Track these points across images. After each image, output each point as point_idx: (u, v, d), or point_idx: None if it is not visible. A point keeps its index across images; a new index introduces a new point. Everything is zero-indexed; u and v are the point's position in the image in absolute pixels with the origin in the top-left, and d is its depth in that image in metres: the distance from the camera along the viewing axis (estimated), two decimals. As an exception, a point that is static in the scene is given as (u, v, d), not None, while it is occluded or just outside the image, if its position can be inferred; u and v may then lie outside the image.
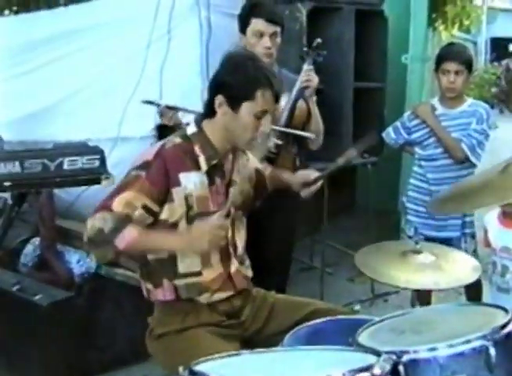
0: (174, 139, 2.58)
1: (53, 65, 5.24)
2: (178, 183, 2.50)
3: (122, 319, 3.98)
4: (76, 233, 4.58)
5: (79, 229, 4.68)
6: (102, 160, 3.14)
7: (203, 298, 2.58)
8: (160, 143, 2.58)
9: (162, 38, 4.62)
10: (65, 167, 3.06)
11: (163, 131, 4.54)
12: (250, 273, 2.78)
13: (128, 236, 2.39)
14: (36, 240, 4.62)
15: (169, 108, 3.59)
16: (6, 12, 9.37)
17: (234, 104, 2.49)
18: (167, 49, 4.59)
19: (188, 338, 2.51)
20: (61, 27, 5.23)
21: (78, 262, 4.38)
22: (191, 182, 2.53)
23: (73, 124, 5.02)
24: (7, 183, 2.98)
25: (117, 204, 2.42)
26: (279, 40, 3.65)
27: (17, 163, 2.98)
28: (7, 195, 3.65)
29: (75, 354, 3.80)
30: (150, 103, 3.68)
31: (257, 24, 3.59)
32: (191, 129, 2.61)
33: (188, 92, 4.25)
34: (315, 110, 3.63)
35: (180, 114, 3.62)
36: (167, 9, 4.57)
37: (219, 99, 2.51)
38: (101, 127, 4.83)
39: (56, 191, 4.53)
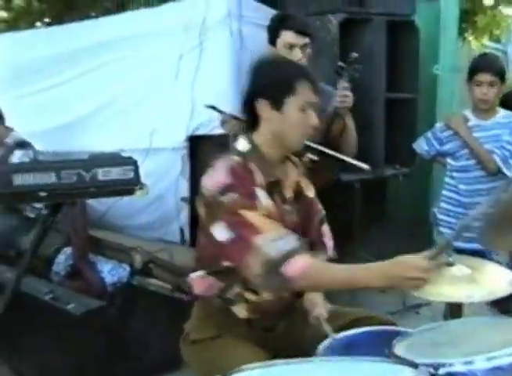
0: (233, 158, 2.44)
1: (86, 76, 5.31)
2: (256, 197, 2.41)
3: (154, 329, 4.00)
4: (108, 243, 4.63)
5: (111, 238, 4.75)
6: (136, 171, 3.15)
7: (245, 314, 2.55)
8: (221, 164, 2.42)
9: (194, 50, 4.65)
10: (99, 177, 3.06)
11: (195, 142, 4.58)
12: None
13: (301, 262, 2.22)
14: (68, 250, 4.67)
15: (233, 117, 3.52)
16: (38, 24, 9.53)
17: (277, 103, 2.42)
18: (198, 61, 4.61)
19: (223, 345, 2.48)
20: (93, 39, 5.29)
21: (110, 272, 4.42)
22: (262, 197, 2.43)
23: (106, 134, 5.08)
24: (43, 193, 2.99)
25: (262, 225, 2.28)
26: (309, 51, 3.67)
27: (53, 173, 3.00)
28: (42, 205, 3.70)
29: (108, 363, 3.82)
30: (213, 108, 3.64)
31: (287, 36, 3.62)
32: (243, 145, 2.50)
33: (219, 103, 4.26)
34: (351, 125, 3.63)
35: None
36: (199, 21, 4.60)
37: (260, 103, 2.44)
38: (133, 137, 4.87)
39: (89, 201, 4.58)
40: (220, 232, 2.34)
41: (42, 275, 4.49)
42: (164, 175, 4.65)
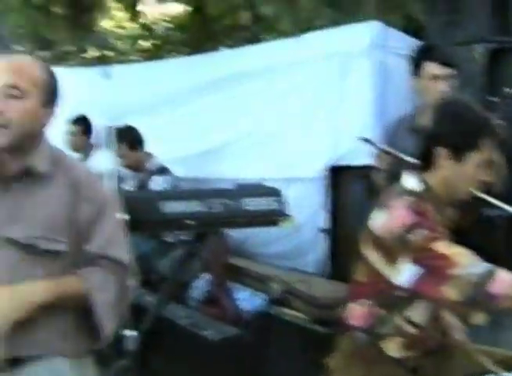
0: (407, 198, 2.40)
1: (227, 104, 5.38)
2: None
3: (289, 359, 3.98)
4: (246, 271, 4.66)
5: (249, 266, 4.78)
6: (281, 202, 3.17)
7: (397, 351, 2.49)
8: (398, 204, 2.38)
9: (335, 80, 4.62)
10: (245, 207, 3.09)
11: (336, 173, 4.54)
12: None
13: (507, 278, 2.18)
14: (206, 276, 4.74)
15: (386, 152, 3.47)
16: (177, 53, 9.83)
17: (458, 155, 2.39)
18: (341, 90, 4.58)
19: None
20: (235, 68, 5.36)
21: (247, 300, 4.44)
22: None
23: (244, 163, 5.12)
24: (189, 222, 3.03)
25: (455, 254, 2.24)
26: (455, 82, 3.60)
27: (200, 202, 3.05)
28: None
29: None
30: (367, 141, 3.58)
31: (431, 68, 3.58)
32: (414, 185, 2.46)
33: (361, 133, 4.24)
34: (501, 163, 3.51)
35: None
36: (342, 51, 4.60)
37: (440, 151, 2.40)
38: (273, 167, 4.89)
39: (227, 228, 4.62)
40: (406, 270, 2.30)
41: (179, 300, 4.57)
42: (302, 205, 4.61)
